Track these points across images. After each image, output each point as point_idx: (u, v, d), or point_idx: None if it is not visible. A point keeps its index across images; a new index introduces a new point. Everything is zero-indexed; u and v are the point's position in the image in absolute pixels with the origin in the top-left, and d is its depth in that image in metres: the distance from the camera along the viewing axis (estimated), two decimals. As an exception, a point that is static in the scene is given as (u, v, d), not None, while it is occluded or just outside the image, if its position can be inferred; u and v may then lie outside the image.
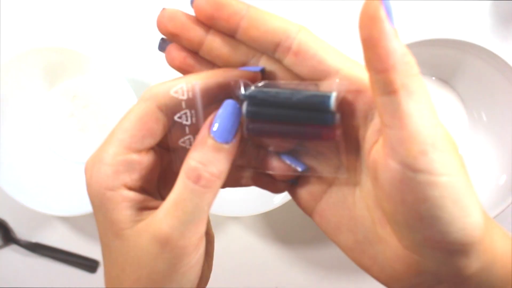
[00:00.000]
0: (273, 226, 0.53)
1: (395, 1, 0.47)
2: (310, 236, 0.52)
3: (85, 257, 0.55)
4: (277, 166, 0.23)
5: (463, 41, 0.41)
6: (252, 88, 0.21)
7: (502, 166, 0.46)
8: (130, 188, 0.21)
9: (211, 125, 0.20)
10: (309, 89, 0.21)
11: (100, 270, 0.55)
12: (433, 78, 0.47)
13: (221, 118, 0.20)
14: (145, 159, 0.21)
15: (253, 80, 0.21)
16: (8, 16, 0.50)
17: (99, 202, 0.21)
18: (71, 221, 0.54)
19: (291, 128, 0.21)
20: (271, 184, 0.24)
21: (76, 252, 0.55)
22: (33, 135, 0.51)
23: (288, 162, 0.23)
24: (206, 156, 0.20)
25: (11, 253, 0.56)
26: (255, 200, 0.47)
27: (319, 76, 0.21)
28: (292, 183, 0.24)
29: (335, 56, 0.21)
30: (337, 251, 0.32)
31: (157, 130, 0.21)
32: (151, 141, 0.21)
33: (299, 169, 0.22)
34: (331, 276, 0.54)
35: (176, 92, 0.21)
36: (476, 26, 0.48)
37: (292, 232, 0.53)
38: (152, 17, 0.49)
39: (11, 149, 0.49)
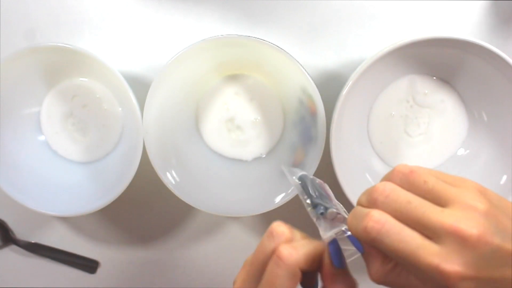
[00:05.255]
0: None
1: (395, 0, 0.47)
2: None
3: (85, 258, 0.55)
4: None
5: (463, 40, 0.41)
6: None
7: (502, 166, 0.46)
8: None
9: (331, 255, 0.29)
10: None
11: (100, 270, 0.55)
12: (434, 77, 0.47)
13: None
14: None
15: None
16: (8, 16, 0.50)
17: None
18: (70, 221, 0.54)
19: None
20: None
21: (76, 252, 0.55)
22: (32, 135, 0.51)
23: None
24: None
25: (10, 254, 0.55)
26: (255, 200, 0.47)
27: None
28: None
29: None
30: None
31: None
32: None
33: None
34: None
35: None
36: (476, 25, 0.48)
37: (292, 233, 0.53)
38: (152, 17, 0.49)
39: (11, 148, 0.49)
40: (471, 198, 0.24)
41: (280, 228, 0.29)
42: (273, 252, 0.28)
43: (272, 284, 0.27)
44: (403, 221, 0.25)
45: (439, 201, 0.25)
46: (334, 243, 0.29)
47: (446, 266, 0.23)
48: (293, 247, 0.28)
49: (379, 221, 0.25)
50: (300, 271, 0.28)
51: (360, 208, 0.27)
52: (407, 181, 0.27)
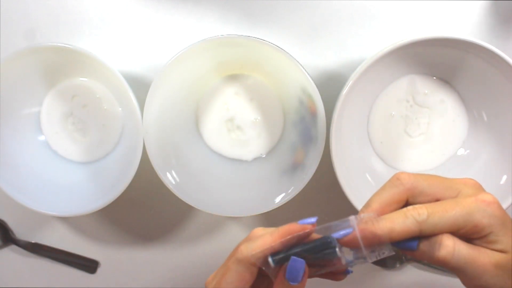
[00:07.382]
0: (273, 226, 0.52)
1: (395, 0, 0.47)
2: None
3: (85, 258, 0.55)
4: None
5: (464, 40, 0.41)
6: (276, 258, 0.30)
7: (502, 166, 0.46)
8: None
9: (285, 272, 0.29)
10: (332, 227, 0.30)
11: (100, 270, 0.55)
12: (434, 77, 0.47)
13: (291, 268, 0.29)
14: None
15: (309, 231, 0.30)
16: (8, 16, 0.50)
17: None
18: (70, 221, 0.54)
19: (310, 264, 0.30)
20: (332, 276, 0.32)
21: (76, 252, 0.55)
22: (32, 135, 0.51)
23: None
24: None
25: (10, 254, 0.55)
26: (255, 200, 0.47)
27: None
28: (347, 273, 0.32)
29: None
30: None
31: (250, 278, 0.30)
32: (248, 285, 0.30)
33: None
34: (331, 276, 0.54)
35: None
36: (476, 25, 0.48)
37: (292, 233, 0.52)
38: (152, 17, 0.49)
39: (11, 148, 0.49)
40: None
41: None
42: None
43: (223, 275, 0.30)
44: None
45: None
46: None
47: (484, 197, 0.29)
48: (249, 244, 0.30)
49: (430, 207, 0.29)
50: (255, 265, 0.30)
51: (403, 215, 0.29)
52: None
